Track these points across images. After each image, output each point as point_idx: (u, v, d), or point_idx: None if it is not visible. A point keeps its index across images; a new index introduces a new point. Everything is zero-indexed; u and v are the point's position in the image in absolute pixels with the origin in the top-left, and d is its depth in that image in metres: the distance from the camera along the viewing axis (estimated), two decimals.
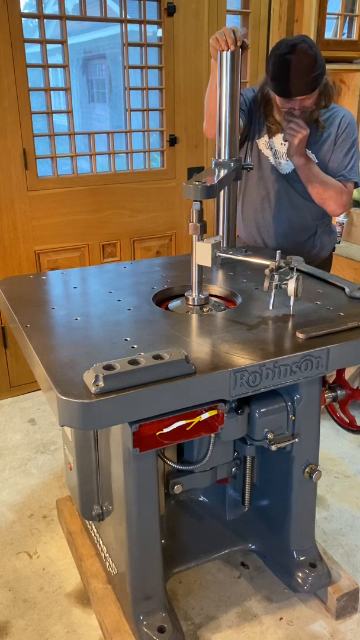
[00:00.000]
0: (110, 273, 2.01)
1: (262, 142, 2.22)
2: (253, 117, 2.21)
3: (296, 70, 1.91)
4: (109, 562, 1.77)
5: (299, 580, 1.76)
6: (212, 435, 1.52)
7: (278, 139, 2.18)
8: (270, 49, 3.12)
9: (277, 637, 1.72)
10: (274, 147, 2.20)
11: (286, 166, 2.19)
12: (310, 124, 2.09)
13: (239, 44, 1.82)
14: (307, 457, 1.68)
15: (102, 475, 1.62)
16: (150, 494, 1.49)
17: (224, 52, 1.84)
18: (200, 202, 1.58)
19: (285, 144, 2.16)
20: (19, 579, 1.94)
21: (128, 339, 1.42)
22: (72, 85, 2.83)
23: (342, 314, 1.56)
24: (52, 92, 2.77)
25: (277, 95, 2.02)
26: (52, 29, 2.76)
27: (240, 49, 1.85)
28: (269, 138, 2.20)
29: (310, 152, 2.14)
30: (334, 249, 2.48)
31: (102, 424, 1.23)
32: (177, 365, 1.23)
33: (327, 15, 3.07)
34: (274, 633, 1.73)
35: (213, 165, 1.96)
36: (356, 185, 2.19)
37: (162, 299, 1.76)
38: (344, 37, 3.28)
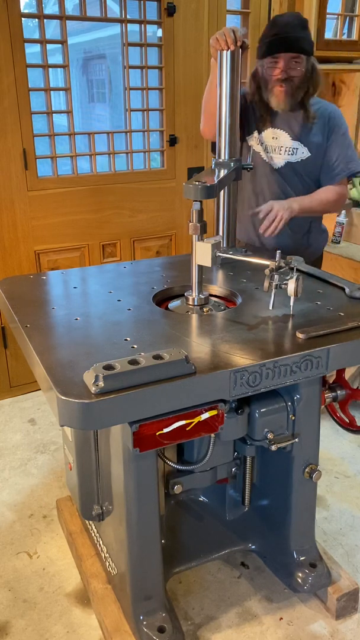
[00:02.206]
0: (110, 273, 2.01)
1: (253, 139, 2.23)
2: (242, 117, 2.20)
3: (290, 27, 1.97)
4: (109, 562, 1.77)
5: (299, 580, 1.76)
6: (212, 435, 1.52)
7: (268, 134, 2.20)
8: None
9: (277, 637, 1.72)
10: (265, 142, 2.21)
11: (278, 161, 2.20)
12: (295, 105, 2.11)
13: (239, 43, 1.83)
14: (307, 457, 1.68)
15: (102, 475, 1.62)
16: (150, 494, 1.49)
17: (224, 52, 1.84)
18: (200, 202, 1.58)
19: (276, 138, 2.17)
20: (19, 579, 1.94)
21: (128, 339, 1.42)
22: (72, 85, 2.83)
23: (342, 314, 1.56)
24: (52, 92, 2.77)
25: (267, 54, 2.03)
26: (52, 29, 2.76)
27: (240, 49, 1.85)
28: (259, 133, 2.20)
29: (302, 144, 2.16)
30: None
31: (102, 424, 1.23)
32: (177, 365, 1.23)
33: (327, 15, 3.06)
34: (274, 633, 1.73)
35: (213, 165, 1.96)
36: (355, 175, 2.22)
37: (162, 299, 1.76)
38: (344, 37, 3.28)
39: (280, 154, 2.18)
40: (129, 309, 1.63)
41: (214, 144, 2.23)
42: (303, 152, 2.17)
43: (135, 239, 3.15)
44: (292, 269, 1.62)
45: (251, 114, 2.21)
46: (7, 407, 2.99)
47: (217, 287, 1.82)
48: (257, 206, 2.27)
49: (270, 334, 1.46)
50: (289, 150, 2.18)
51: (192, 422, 1.34)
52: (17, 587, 1.92)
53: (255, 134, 2.21)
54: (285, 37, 1.97)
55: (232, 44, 1.81)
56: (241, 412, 1.52)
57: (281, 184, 2.23)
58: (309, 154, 2.16)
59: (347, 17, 3.28)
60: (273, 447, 1.56)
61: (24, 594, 1.89)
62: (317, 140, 2.16)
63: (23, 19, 2.57)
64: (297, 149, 2.17)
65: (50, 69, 2.71)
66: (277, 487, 1.76)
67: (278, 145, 2.19)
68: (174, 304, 1.71)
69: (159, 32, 2.91)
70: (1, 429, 2.80)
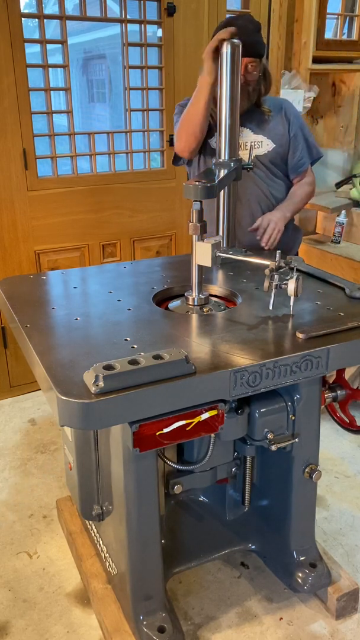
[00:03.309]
0: (110, 273, 2.01)
1: (214, 140, 2.20)
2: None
3: (245, 31, 1.96)
4: (109, 562, 1.77)
5: (299, 580, 1.76)
6: (212, 435, 1.52)
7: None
8: (269, 48, 3.14)
9: (277, 637, 1.72)
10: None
11: (245, 157, 2.17)
12: (252, 105, 2.13)
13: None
14: (307, 457, 1.68)
15: (102, 475, 1.62)
16: (150, 494, 1.49)
17: (225, 53, 1.83)
18: (200, 202, 1.58)
19: (239, 136, 2.16)
20: (19, 579, 1.94)
21: (128, 339, 1.42)
22: (72, 85, 2.83)
23: (342, 314, 1.56)
24: (52, 92, 2.77)
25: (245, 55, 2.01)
26: (52, 29, 2.76)
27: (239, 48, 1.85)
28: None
29: (265, 137, 2.19)
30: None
31: (102, 424, 1.23)
32: (177, 365, 1.23)
33: (327, 15, 3.06)
34: (274, 633, 1.73)
35: (213, 165, 1.96)
36: (316, 161, 2.31)
37: (162, 299, 1.76)
38: (344, 37, 3.28)
39: (246, 149, 2.18)
40: (129, 309, 1.63)
41: (176, 157, 2.29)
42: (268, 144, 2.19)
43: (135, 239, 3.15)
44: (292, 269, 1.62)
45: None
46: (7, 407, 2.99)
47: (217, 287, 1.82)
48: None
49: (270, 334, 1.46)
50: (255, 144, 2.20)
51: (192, 422, 1.34)
52: (17, 587, 1.92)
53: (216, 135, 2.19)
54: (243, 43, 1.93)
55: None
56: (241, 412, 1.52)
57: (254, 181, 2.23)
58: (274, 145, 2.19)
59: (347, 17, 3.28)
60: (273, 447, 1.56)
61: (24, 594, 1.89)
62: (279, 130, 2.20)
63: (23, 19, 2.57)
64: (261, 141, 2.20)
65: (50, 69, 2.71)
66: (277, 487, 1.76)
67: (242, 142, 2.19)
68: (174, 304, 1.71)
69: (159, 32, 2.91)
70: (1, 429, 2.80)
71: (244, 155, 2.17)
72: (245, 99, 2.09)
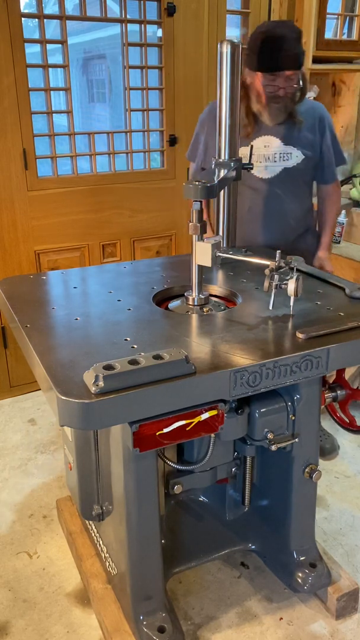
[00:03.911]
0: (110, 273, 2.01)
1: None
2: (214, 139, 2.14)
3: (286, 42, 1.90)
4: (109, 562, 1.77)
5: (299, 580, 1.76)
6: (212, 435, 1.52)
7: (259, 143, 2.14)
8: None
9: (277, 637, 1.72)
10: (255, 153, 2.13)
11: (272, 169, 2.15)
12: (285, 117, 2.09)
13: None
14: (307, 457, 1.68)
15: (102, 475, 1.62)
16: (150, 494, 1.49)
17: (225, 53, 1.83)
18: (200, 202, 1.58)
19: (267, 146, 2.12)
20: (19, 579, 1.94)
21: (128, 339, 1.42)
22: (72, 85, 2.83)
23: (342, 314, 1.56)
24: (52, 92, 2.77)
25: (265, 71, 1.96)
26: (52, 29, 2.76)
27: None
28: (246, 146, 2.12)
29: (295, 148, 2.13)
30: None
31: (102, 424, 1.23)
32: (177, 365, 1.23)
33: (327, 15, 3.06)
34: (274, 633, 1.73)
35: (213, 165, 1.96)
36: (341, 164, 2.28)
37: (162, 299, 1.75)
38: (344, 37, 3.28)
39: (275, 161, 2.13)
40: (129, 309, 1.63)
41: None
42: (297, 156, 2.14)
43: (135, 239, 3.15)
44: (292, 269, 1.62)
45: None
46: (7, 407, 2.99)
47: (217, 287, 1.82)
48: (249, 222, 2.22)
49: (270, 334, 1.46)
50: (284, 156, 2.14)
51: (192, 422, 1.34)
52: (17, 587, 1.92)
53: (241, 149, 2.09)
54: (286, 55, 1.90)
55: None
56: (241, 412, 1.52)
57: (272, 196, 2.18)
58: (303, 157, 2.14)
59: (347, 17, 3.28)
60: (273, 447, 1.56)
61: (24, 594, 1.89)
62: (308, 139, 2.15)
63: (23, 19, 2.57)
64: (290, 153, 2.14)
65: (50, 69, 2.71)
66: (277, 487, 1.76)
67: (271, 153, 2.14)
68: (174, 304, 1.71)
69: (159, 32, 2.91)
70: (1, 429, 2.80)
71: (268, 166, 2.14)
72: (283, 112, 2.05)
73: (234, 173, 1.92)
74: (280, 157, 2.14)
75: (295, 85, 2.00)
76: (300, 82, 2.02)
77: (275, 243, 2.22)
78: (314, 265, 2.12)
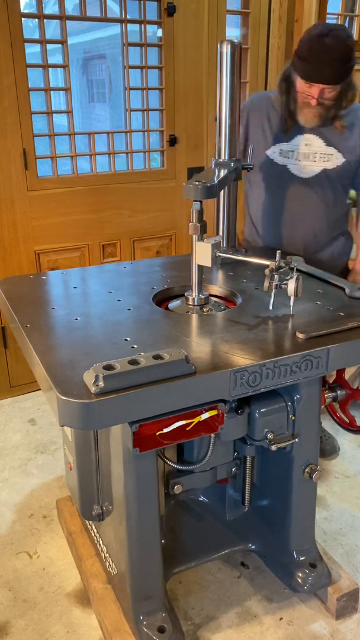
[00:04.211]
0: (110, 273, 2.01)
1: (274, 152, 2.12)
2: (254, 129, 2.14)
3: (328, 55, 1.83)
4: (109, 562, 1.77)
5: (299, 580, 1.76)
6: (212, 435, 1.52)
7: (300, 140, 2.08)
8: (269, 48, 3.15)
9: (277, 637, 1.72)
10: (296, 151, 2.09)
11: (312, 169, 2.09)
12: (327, 121, 2.02)
13: None
14: (307, 457, 1.68)
15: (102, 475, 1.62)
16: (150, 494, 1.49)
17: (225, 49, 1.83)
18: (200, 202, 1.57)
19: (309, 145, 2.07)
20: (19, 579, 1.94)
21: (128, 339, 1.42)
22: (72, 85, 2.83)
23: (342, 314, 1.56)
24: (52, 92, 2.77)
25: (301, 77, 1.91)
26: (52, 29, 2.76)
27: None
28: (288, 142, 2.09)
29: (336, 150, 2.07)
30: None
31: (102, 424, 1.23)
32: (177, 365, 1.23)
33: (327, 15, 3.07)
34: (274, 633, 1.73)
35: (213, 165, 1.96)
36: None
37: (162, 299, 1.75)
38: None
39: (314, 161, 2.08)
40: (129, 309, 1.63)
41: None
42: (337, 158, 2.08)
43: (135, 239, 3.15)
44: (292, 269, 1.62)
45: (273, 122, 2.10)
46: (7, 407, 2.99)
47: (217, 287, 1.82)
48: (285, 221, 2.18)
49: (270, 334, 1.46)
50: (325, 157, 2.08)
51: (192, 422, 1.34)
52: (17, 587, 1.92)
53: (281, 145, 2.09)
54: (326, 69, 1.84)
55: None
56: (241, 412, 1.52)
57: (310, 196, 2.13)
58: (344, 159, 2.07)
59: (347, 17, 3.29)
60: (273, 447, 1.56)
61: (24, 594, 1.89)
62: (350, 144, 2.07)
63: (23, 19, 2.56)
64: (331, 154, 2.07)
65: (50, 69, 2.71)
66: (277, 487, 1.76)
67: (312, 152, 2.08)
68: (174, 304, 1.71)
69: (159, 32, 2.91)
70: (1, 429, 2.80)
71: (307, 165, 2.08)
72: (317, 117, 2.00)
73: (234, 173, 1.92)
74: (320, 157, 2.09)
75: (331, 96, 1.93)
76: (343, 89, 1.93)
77: (308, 244, 2.19)
78: (347, 279, 2.05)
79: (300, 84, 1.95)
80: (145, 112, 3.01)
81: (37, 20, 2.63)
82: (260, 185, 2.21)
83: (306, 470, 1.68)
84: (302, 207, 2.16)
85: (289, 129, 2.09)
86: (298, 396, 1.58)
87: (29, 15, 2.64)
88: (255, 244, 2.32)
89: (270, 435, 1.56)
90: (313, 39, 1.85)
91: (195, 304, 1.66)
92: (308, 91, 1.94)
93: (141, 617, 1.60)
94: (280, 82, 2.05)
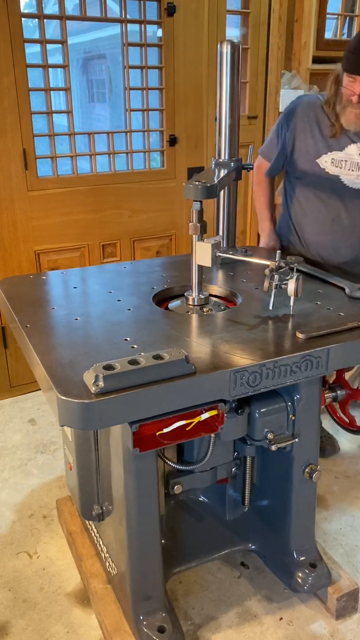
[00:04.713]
0: (110, 273, 2.01)
1: (326, 161, 2.05)
2: (303, 135, 2.08)
3: None
4: (109, 562, 1.77)
5: (299, 580, 1.76)
6: (212, 435, 1.52)
7: (353, 149, 2.01)
8: (269, 48, 3.15)
9: (277, 637, 1.72)
10: (351, 160, 2.02)
11: (350, 177, 2.02)
12: None
13: None
14: (307, 457, 1.68)
15: (102, 475, 1.62)
16: (150, 494, 1.49)
17: (225, 49, 1.83)
18: (200, 202, 1.58)
19: (345, 149, 2.01)
20: (19, 579, 1.94)
21: (128, 339, 1.42)
22: (72, 85, 2.83)
23: (342, 314, 1.56)
24: (52, 92, 2.77)
25: (345, 70, 1.88)
26: (52, 29, 2.76)
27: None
28: (341, 150, 2.02)
29: None
30: None
31: (102, 424, 1.23)
32: (177, 365, 1.23)
33: (327, 15, 3.07)
34: (274, 633, 1.73)
35: (213, 165, 1.96)
36: None
37: (162, 299, 1.76)
38: (344, 37, 3.28)
39: (352, 170, 2.01)
40: (129, 309, 1.63)
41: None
42: None
43: (135, 239, 3.15)
44: (292, 269, 1.62)
45: (324, 129, 2.04)
46: (7, 407, 2.99)
47: (217, 287, 1.82)
48: (333, 232, 2.13)
49: (270, 334, 1.46)
50: None
51: (192, 422, 1.34)
52: (17, 587, 1.92)
53: (335, 154, 2.01)
54: None
55: None
56: (241, 412, 1.52)
57: None
58: None
59: (347, 17, 3.29)
60: (273, 447, 1.56)
61: (24, 594, 1.89)
62: None
63: (23, 19, 2.56)
64: None
65: (50, 69, 2.71)
66: (277, 487, 1.76)
67: (350, 160, 2.02)
68: (174, 304, 1.71)
69: (159, 32, 2.91)
70: (1, 429, 2.80)
71: (347, 175, 2.02)
72: (358, 119, 1.94)
73: (234, 173, 1.92)
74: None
75: None
76: None
77: (357, 256, 2.14)
78: None
79: (345, 80, 1.91)
80: (145, 112, 3.01)
81: (37, 20, 2.63)
82: (307, 191, 2.15)
83: (306, 470, 1.68)
84: (352, 218, 2.11)
85: (337, 133, 2.02)
86: (298, 396, 1.58)
87: (29, 15, 2.65)
88: (294, 251, 2.24)
89: (270, 435, 1.56)
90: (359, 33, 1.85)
91: (195, 304, 1.66)
92: (351, 87, 1.89)
93: (141, 617, 1.60)
94: (330, 84, 2.01)
